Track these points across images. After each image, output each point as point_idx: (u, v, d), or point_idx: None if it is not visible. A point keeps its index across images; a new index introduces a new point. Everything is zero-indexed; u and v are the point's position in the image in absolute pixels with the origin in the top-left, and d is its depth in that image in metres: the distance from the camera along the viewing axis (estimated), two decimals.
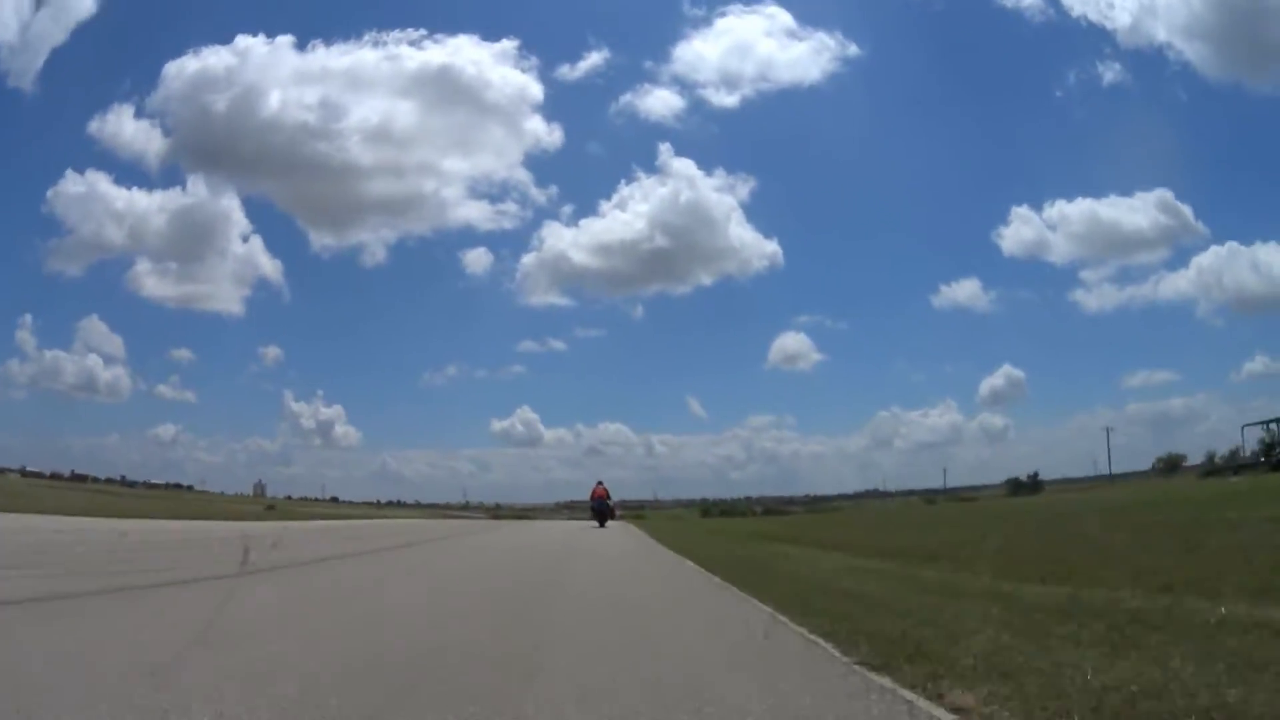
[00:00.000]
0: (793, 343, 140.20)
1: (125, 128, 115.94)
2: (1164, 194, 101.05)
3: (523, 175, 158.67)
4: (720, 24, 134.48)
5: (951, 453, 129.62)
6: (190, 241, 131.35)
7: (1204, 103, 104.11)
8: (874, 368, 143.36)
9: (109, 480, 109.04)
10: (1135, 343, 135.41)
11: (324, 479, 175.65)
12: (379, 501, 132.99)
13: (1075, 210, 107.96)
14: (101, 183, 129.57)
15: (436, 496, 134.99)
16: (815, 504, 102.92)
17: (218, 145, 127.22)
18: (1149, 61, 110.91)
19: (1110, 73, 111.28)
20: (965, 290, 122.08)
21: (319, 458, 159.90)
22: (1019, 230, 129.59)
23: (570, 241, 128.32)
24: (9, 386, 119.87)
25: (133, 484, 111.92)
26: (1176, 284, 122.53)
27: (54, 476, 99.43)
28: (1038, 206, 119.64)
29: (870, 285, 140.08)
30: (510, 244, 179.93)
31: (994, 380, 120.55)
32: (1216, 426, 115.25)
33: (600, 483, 28.38)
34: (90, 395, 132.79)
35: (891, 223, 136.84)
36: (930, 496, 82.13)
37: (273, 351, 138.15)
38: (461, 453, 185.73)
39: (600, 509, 26.79)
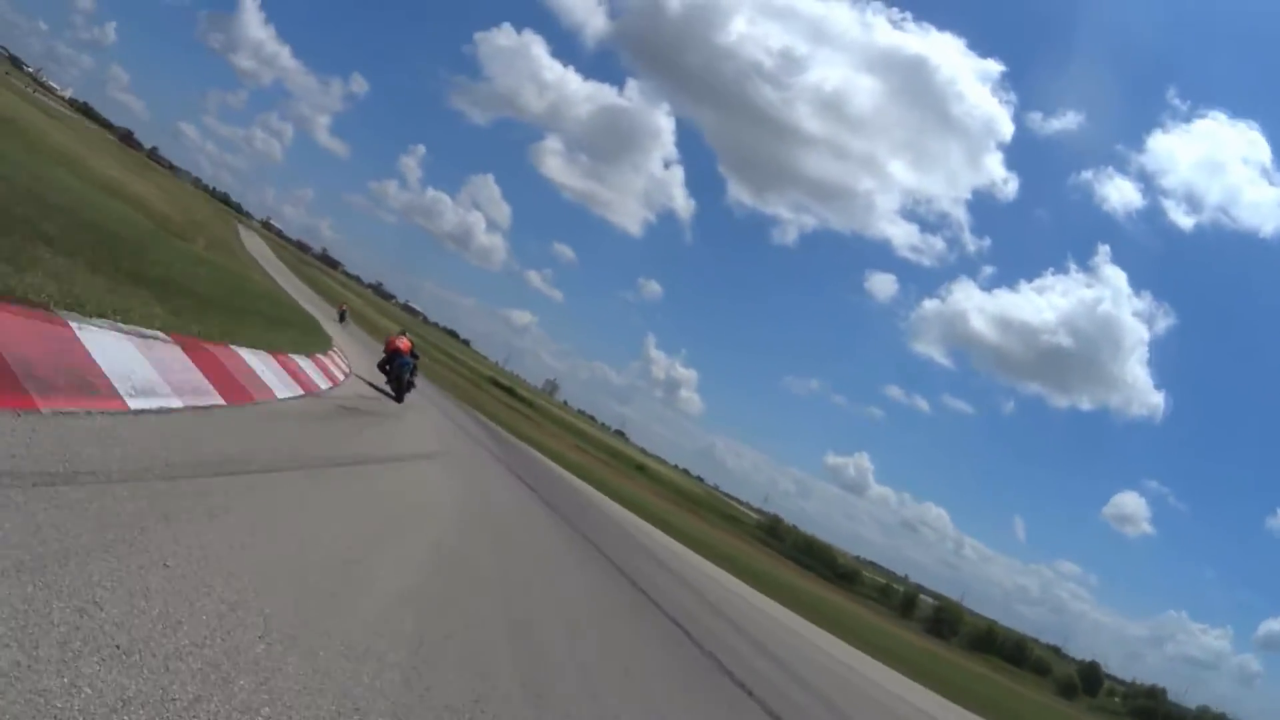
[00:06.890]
0: (1132, 504, 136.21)
1: None
2: None
3: (963, 215, 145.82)
4: (1199, 126, 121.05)
5: (1201, 676, 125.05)
6: (610, 140, 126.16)
7: None
8: (1190, 562, 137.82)
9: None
10: None
11: (670, 438, 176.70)
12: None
13: None
14: (535, 46, 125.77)
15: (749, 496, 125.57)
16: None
17: (661, 49, 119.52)
18: None
19: None
20: None
21: (657, 413, 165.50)
22: None
23: (976, 305, 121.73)
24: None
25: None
26: None
27: None
28: None
29: (1236, 485, 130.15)
30: (920, 281, 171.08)
31: None
32: None
33: (404, 331, 19.24)
34: (462, 250, 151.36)
35: None
36: None
37: (652, 286, 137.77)
38: (788, 469, 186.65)
39: (399, 369, 15.99)
